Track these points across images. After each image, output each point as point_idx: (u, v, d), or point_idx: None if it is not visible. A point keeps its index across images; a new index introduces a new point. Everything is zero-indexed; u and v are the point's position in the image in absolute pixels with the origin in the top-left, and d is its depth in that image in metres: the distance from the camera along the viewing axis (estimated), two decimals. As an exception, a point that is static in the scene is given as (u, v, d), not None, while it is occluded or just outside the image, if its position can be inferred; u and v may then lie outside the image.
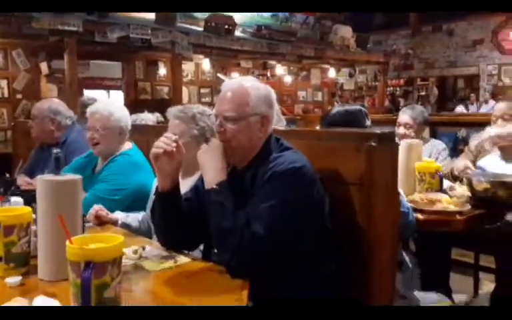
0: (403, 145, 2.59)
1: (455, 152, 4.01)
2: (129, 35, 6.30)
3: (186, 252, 1.65)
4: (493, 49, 11.71)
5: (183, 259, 1.59)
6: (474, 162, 2.98)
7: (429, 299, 1.99)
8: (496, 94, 11.33)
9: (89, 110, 2.45)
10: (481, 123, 3.90)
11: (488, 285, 3.25)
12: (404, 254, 2.08)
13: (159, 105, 7.96)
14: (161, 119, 5.33)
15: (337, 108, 2.12)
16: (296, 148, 1.62)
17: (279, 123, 4.06)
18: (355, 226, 1.64)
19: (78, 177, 1.45)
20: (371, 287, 1.62)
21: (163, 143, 1.57)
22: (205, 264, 1.57)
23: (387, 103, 11.33)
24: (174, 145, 1.57)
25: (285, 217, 1.43)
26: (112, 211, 2.14)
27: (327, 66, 10.40)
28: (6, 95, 7.06)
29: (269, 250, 1.42)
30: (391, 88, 13.17)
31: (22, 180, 2.81)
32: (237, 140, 1.55)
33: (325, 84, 11.63)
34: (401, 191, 2.06)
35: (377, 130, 1.75)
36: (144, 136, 2.83)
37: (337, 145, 1.74)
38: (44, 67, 6.97)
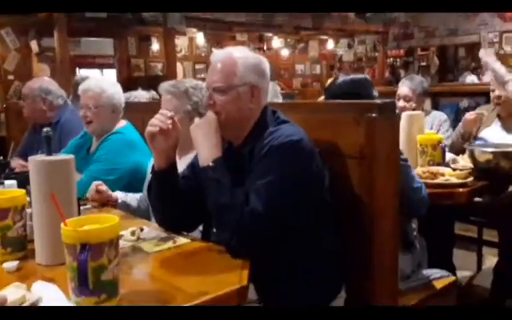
0: (404, 117, 2.53)
1: (457, 123, 3.95)
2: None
3: (185, 233, 1.62)
4: (493, 16, 11.52)
5: (181, 240, 1.56)
6: (476, 134, 2.94)
7: (433, 275, 1.97)
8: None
9: (81, 87, 2.40)
10: (483, 93, 3.87)
11: (491, 260, 3.23)
12: (416, 236, 2.04)
13: (153, 82, 7.82)
14: (156, 96, 5.26)
15: (342, 77, 2.05)
16: (293, 121, 1.56)
17: (274, 98, 4.03)
18: (355, 200, 1.60)
19: (70, 156, 1.41)
20: (372, 260, 1.58)
21: (158, 121, 1.51)
22: (204, 244, 1.53)
23: (387, 74, 11.20)
24: (169, 122, 1.51)
25: (283, 192, 1.39)
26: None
27: (325, 37, 10.25)
28: (-3, 75, 6.93)
29: (267, 226, 1.38)
30: (391, 59, 13.00)
31: (16, 163, 2.76)
32: (226, 112, 1.51)
33: (324, 56, 11.47)
34: (410, 164, 2.01)
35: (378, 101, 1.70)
36: (139, 114, 2.77)
37: (335, 117, 1.69)
38: (34, 45, 6.83)
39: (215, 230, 1.57)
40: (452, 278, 1.99)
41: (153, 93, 5.22)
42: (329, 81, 2.14)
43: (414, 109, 3.10)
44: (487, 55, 2.16)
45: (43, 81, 3.09)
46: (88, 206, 1.97)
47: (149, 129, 1.52)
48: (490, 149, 2.25)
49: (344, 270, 1.59)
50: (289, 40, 10.07)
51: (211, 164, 1.46)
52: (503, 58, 11.32)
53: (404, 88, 3.23)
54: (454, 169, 2.35)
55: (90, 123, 2.36)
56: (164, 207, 1.61)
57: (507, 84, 2.08)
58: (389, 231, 1.62)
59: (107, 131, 2.37)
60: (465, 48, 13.23)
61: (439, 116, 3.37)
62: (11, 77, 7.02)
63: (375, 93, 1.97)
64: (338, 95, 1.96)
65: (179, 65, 8.25)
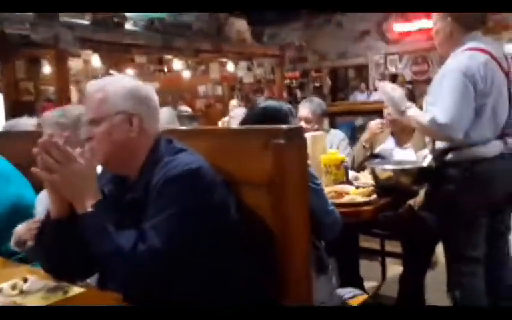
0: (307, 138, 2.54)
1: (353, 140, 4.13)
2: (4, 31, 5.63)
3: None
4: (378, 40, 12.48)
5: (74, 290, 1.37)
6: (371, 153, 3.07)
7: (347, 295, 1.97)
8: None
9: None
10: (376, 111, 4.08)
11: (394, 268, 3.38)
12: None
13: (44, 107, 7.31)
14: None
15: (260, 104, 2.00)
16: (194, 149, 1.47)
17: (171, 123, 3.90)
18: (266, 229, 1.53)
19: None
20: (287, 290, 1.51)
21: (56, 162, 1.31)
22: (100, 293, 1.35)
23: (285, 95, 11.56)
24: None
25: (183, 225, 1.28)
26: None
27: (225, 60, 10.32)
28: None
29: (169, 264, 1.26)
30: (288, 80, 13.49)
31: None
32: (104, 144, 1.38)
33: (225, 78, 11.53)
34: (321, 182, 2.01)
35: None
36: (24, 144, 2.48)
37: (241, 144, 1.62)
38: None
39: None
40: (364, 296, 2.01)
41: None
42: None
43: (316, 130, 3.18)
44: (383, 88, 2.31)
45: None
46: None
47: (46, 177, 1.31)
48: (390, 167, 2.34)
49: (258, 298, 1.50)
50: (189, 62, 9.97)
51: (89, 209, 1.30)
52: (387, 78, 12.31)
53: (304, 110, 3.31)
54: (357, 187, 2.41)
55: None
56: (58, 257, 1.42)
57: (405, 113, 2.19)
58: (302, 258, 1.57)
59: None
60: (354, 69, 14.20)
61: (338, 134, 3.50)
62: None
63: (294, 121, 1.96)
64: (251, 122, 1.91)
65: (73, 88, 7.73)
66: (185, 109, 6.78)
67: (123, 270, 1.24)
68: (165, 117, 3.93)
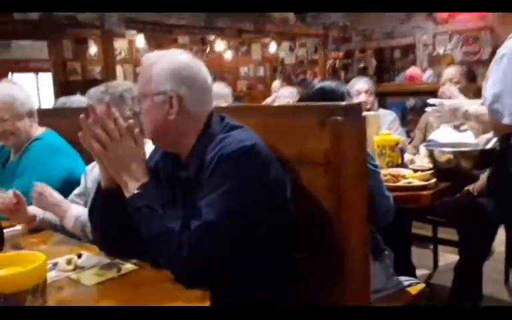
0: (360, 118, 2.44)
1: (404, 121, 3.98)
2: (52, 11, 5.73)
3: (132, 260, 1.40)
4: (426, 19, 11.98)
5: (127, 267, 1.36)
6: (424, 139, 2.92)
7: (403, 283, 1.87)
8: (432, 63, 11.65)
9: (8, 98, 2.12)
10: (429, 92, 3.90)
11: (446, 257, 3.24)
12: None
13: (91, 86, 7.44)
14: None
15: (316, 83, 1.92)
16: (248, 127, 1.40)
17: (218, 100, 3.85)
18: (322, 210, 1.47)
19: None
20: (343, 272, 1.45)
21: (104, 131, 1.28)
22: (154, 272, 1.32)
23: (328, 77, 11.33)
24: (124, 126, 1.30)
25: (240, 201, 1.23)
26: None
27: (267, 40, 10.20)
28: None
29: (224, 241, 1.22)
30: (331, 60, 13.20)
31: None
32: (147, 122, 1.35)
33: (266, 59, 11.41)
34: (380, 170, 1.92)
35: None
36: (73, 119, 2.50)
37: (296, 122, 1.54)
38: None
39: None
40: (421, 285, 1.91)
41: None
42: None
43: (369, 109, 3.10)
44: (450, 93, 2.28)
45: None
46: (16, 227, 1.69)
47: (93, 145, 1.28)
48: (450, 149, 2.20)
49: (311, 283, 1.44)
50: (231, 43, 9.91)
51: (136, 191, 1.27)
52: (436, 58, 11.84)
53: (362, 84, 3.25)
54: (414, 171, 2.28)
55: (10, 137, 2.09)
56: (110, 231, 1.40)
57: (467, 113, 2.10)
58: (359, 241, 1.50)
59: (26, 140, 2.13)
60: (401, 49, 13.71)
61: (388, 115, 3.38)
62: None
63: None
64: (307, 98, 1.84)
65: (118, 68, 7.84)
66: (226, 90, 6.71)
67: (173, 248, 1.19)
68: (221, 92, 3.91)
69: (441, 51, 12.00)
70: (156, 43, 8.81)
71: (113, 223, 1.36)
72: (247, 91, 10.17)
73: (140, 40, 8.15)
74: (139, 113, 1.65)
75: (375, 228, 1.86)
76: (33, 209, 1.76)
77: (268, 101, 6.38)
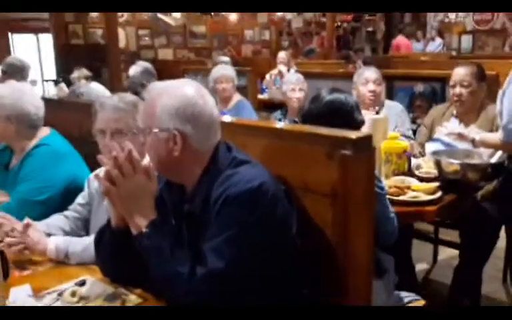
0: (367, 122, 2.36)
1: (411, 107, 3.91)
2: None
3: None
4: (439, -16, 11.61)
5: (131, 299, 1.36)
6: (430, 136, 2.87)
7: (403, 300, 1.87)
8: (442, 31, 11.37)
9: None
10: (439, 78, 3.82)
11: (446, 251, 3.24)
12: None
13: (93, 52, 7.31)
14: (87, 73, 4.88)
15: (328, 93, 1.86)
16: (254, 152, 1.38)
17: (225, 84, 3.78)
18: (326, 239, 1.44)
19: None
20: (345, 298, 1.44)
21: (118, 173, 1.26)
22: (157, 304, 1.32)
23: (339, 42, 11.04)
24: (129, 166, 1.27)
25: (246, 246, 1.21)
26: (41, 213, 1.84)
27: (274, 2, 9.94)
28: None
29: (230, 287, 1.20)
30: (339, 23, 12.89)
31: None
32: (149, 156, 1.33)
33: (273, 22, 11.17)
34: (384, 183, 1.89)
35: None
36: (76, 114, 2.46)
37: (303, 148, 1.49)
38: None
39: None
40: (421, 302, 1.90)
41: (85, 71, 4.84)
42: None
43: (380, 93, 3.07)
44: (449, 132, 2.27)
45: None
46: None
47: (104, 183, 1.26)
48: (458, 162, 2.16)
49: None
50: (237, 5, 9.66)
51: (144, 230, 1.25)
52: (448, 26, 11.54)
53: (372, 74, 3.21)
54: (420, 179, 2.25)
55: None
56: (116, 264, 1.39)
57: (475, 142, 2.08)
58: (363, 266, 1.48)
59: (29, 144, 2.08)
60: (411, 14, 13.37)
61: (395, 106, 3.29)
62: None
63: (360, 117, 1.82)
64: (314, 115, 1.79)
65: (121, 31, 7.70)
66: (226, 59, 6.59)
67: (180, 293, 1.19)
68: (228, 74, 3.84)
69: (452, 17, 11.73)
70: (160, 5, 8.58)
71: (121, 258, 1.35)
72: (252, 56, 9.97)
73: (143, 2, 7.93)
74: None
75: (378, 248, 1.85)
76: (44, 242, 1.65)
77: (273, 72, 6.26)
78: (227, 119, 1.70)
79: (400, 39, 10.73)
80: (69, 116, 2.43)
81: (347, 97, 1.88)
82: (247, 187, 1.22)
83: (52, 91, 7.23)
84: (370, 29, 13.46)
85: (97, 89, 4.54)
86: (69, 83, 5.07)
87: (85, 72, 4.81)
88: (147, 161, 1.33)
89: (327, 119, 1.73)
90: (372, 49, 12.53)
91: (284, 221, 1.32)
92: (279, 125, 1.72)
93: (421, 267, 3.15)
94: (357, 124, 1.92)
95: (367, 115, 2.48)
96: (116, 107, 1.71)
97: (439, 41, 10.91)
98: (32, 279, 1.48)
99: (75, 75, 4.77)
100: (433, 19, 11.85)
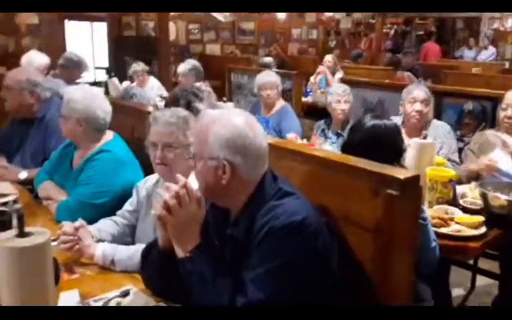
0: (413, 146, 2.37)
1: (459, 125, 3.82)
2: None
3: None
4: (497, -9, 11.19)
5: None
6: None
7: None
8: (496, 40, 10.98)
9: (66, 97, 2.17)
10: (490, 98, 3.71)
11: (484, 278, 3.17)
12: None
13: (144, 44, 7.50)
14: (145, 67, 5.01)
15: (368, 120, 1.87)
16: (298, 178, 1.43)
17: (269, 90, 3.80)
18: (365, 275, 1.46)
19: (44, 235, 1.21)
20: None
21: (168, 200, 1.33)
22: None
23: (388, 45, 10.80)
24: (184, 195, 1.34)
25: (286, 279, 1.25)
26: (94, 215, 1.93)
27: (323, 2, 9.86)
28: (-23, 26, 6.48)
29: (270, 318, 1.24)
30: (389, 25, 12.64)
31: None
32: (198, 180, 1.39)
33: (321, 21, 11.09)
34: (427, 213, 1.88)
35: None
36: (128, 119, 2.56)
37: (348, 181, 1.51)
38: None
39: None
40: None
41: (143, 65, 4.98)
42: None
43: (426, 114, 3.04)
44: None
45: (29, 72, 2.82)
46: (55, 243, 1.67)
47: (157, 214, 1.34)
48: (504, 196, 2.12)
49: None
50: (286, 3, 9.65)
51: (188, 255, 1.31)
52: (503, 35, 11.11)
53: (421, 92, 3.09)
54: (464, 209, 2.22)
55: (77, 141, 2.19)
56: (160, 280, 1.46)
57: None
58: (402, 299, 1.49)
59: (92, 148, 2.18)
60: (464, 21, 12.95)
61: (442, 128, 3.15)
62: (-6, 31, 6.58)
63: (403, 145, 1.82)
64: (355, 144, 1.80)
65: (171, 24, 7.85)
66: (269, 59, 6.61)
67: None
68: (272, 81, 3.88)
69: (508, 25, 11.28)
70: (210, 0, 8.69)
71: (165, 276, 1.42)
72: (298, 55, 9.94)
73: (195, -3, 8.06)
74: None
75: (417, 276, 1.85)
76: (93, 248, 1.74)
77: (318, 76, 6.19)
78: (275, 142, 1.73)
79: (429, 45, 10.43)
80: (122, 119, 2.52)
81: (386, 124, 1.88)
82: (290, 219, 1.26)
83: (102, 78, 7.48)
84: (420, 32, 13.15)
85: (151, 88, 4.66)
86: (121, 76, 5.25)
87: (142, 66, 4.95)
88: (196, 186, 1.38)
89: (368, 148, 1.73)
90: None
91: (324, 255, 1.35)
92: (325, 153, 1.74)
93: (457, 292, 3.10)
94: (398, 152, 1.92)
95: (414, 139, 2.49)
96: (168, 122, 1.78)
97: (492, 50, 10.54)
98: (79, 284, 1.57)
99: (132, 69, 4.91)
100: (487, 27, 11.45)
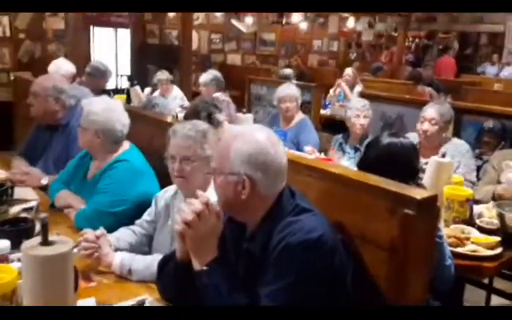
0: (432, 164, 2.37)
1: (478, 143, 3.78)
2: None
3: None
4: (522, 7, 11.04)
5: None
6: (497, 180, 2.78)
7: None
8: (520, 57, 10.82)
9: (86, 109, 2.23)
10: (510, 116, 3.68)
11: (499, 298, 3.12)
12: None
13: (167, 53, 7.62)
14: (169, 76, 5.08)
15: (385, 138, 1.89)
16: (315, 193, 1.45)
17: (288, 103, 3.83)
18: (379, 293, 1.47)
19: (67, 244, 1.25)
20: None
21: (188, 214, 1.36)
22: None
23: (409, 57, 10.72)
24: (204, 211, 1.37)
25: (301, 295, 1.27)
26: (111, 224, 1.97)
27: (346, 14, 9.88)
28: (8, 33, 6.63)
29: None
30: (411, 39, 12.57)
31: (18, 166, 2.64)
32: (217, 194, 1.42)
33: (343, 33, 11.08)
34: (443, 231, 1.88)
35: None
36: (148, 128, 2.61)
37: (365, 199, 1.52)
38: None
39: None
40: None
41: (167, 74, 5.05)
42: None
43: (438, 134, 3.00)
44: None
45: (56, 79, 2.91)
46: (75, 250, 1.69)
47: (178, 227, 1.38)
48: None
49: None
50: (308, 14, 9.70)
51: (205, 268, 1.34)
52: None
53: (432, 110, 3.08)
54: (480, 229, 2.21)
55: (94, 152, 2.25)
56: (177, 293, 1.50)
57: None
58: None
59: (109, 157, 2.23)
60: (488, 36, 12.78)
61: (460, 146, 3.13)
62: (22, 36, 6.74)
63: (419, 165, 1.83)
64: (372, 160, 1.82)
65: (194, 33, 7.96)
66: (288, 71, 6.64)
67: None
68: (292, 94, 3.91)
69: (531, 42, 11.10)
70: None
71: (181, 287, 1.45)
72: (318, 66, 9.96)
73: (218, 8, 8.15)
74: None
75: (431, 294, 1.85)
76: (110, 257, 1.78)
77: (338, 89, 6.19)
78: (292, 156, 1.76)
79: (444, 59, 10.33)
80: (141, 128, 2.57)
81: (403, 142, 1.89)
82: (307, 237, 1.28)
83: (124, 85, 7.60)
84: (442, 46, 13.04)
85: (174, 98, 4.73)
86: (143, 84, 5.34)
87: (167, 75, 5.03)
88: (214, 199, 1.41)
89: (383, 166, 1.74)
90: (443, 68, 12.10)
91: (339, 273, 1.36)
92: (342, 169, 1.75)
93: (473, 311, 3.06)
94: (414, 171, 1.92)
95: (433, 157, 2.48)
96: (186, 136, 1.82)
97: (515, 66, 10.40)
98: (96, 292, 1.61)
99: (157, 77, 5.00)
100: (511, 43, 11.29)
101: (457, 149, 3.09)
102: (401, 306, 1.44)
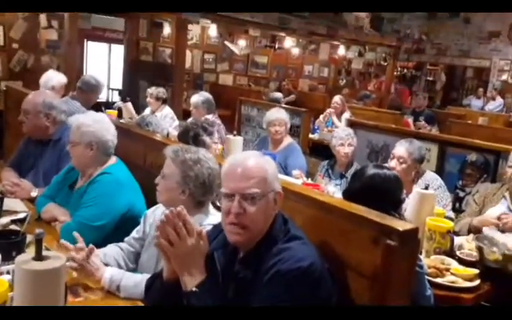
0: (416, 195, 2.45)
1: (461, 175, 3.87)
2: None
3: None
4: (508, 44, 11.38)
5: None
6: (479, 213, 2.85)
7: None
8: (504, 91, 11.11)
9: (74, 124, 2.26)
10: (494, 151, 3.78)
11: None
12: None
13: (160, 70, 7.69)
14: (162, 95, 5.13)
15: (370, 169, 1.95)
16: (300, 219, 1.50)
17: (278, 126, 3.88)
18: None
19: (60, 259, 1.28)
20: None
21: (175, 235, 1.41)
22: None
23: (394, 87, 10.99)
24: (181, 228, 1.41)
25: None
26: (95, 237, 1.98)
27: (337, 42, 10.09)
28: (1, 42, 6.65)
29: None
30: (399, 69, 12.84)
31: (7, 178, 2.63)
32: (255, 223, 1.43)
33: (333, 60, 11.29)
34: (424, 264, 1.94)
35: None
36: (140, 146, 2.65)
37: (349, 227, 1.57)
38: (43, 20, 6.59)
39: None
40: None
41: (160, 90, 5.10)
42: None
43: (405, 172, 2.90)
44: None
45: (46, 95, 2.93)
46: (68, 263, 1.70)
47: (162, 242, 1.42)
48: (499, 250, 2.18)
49: None
50: (300, 40, 9.88)
51: (194, 289, 1.38)
52: (510, 87, 11.24)
53: (401, 148, 3.02)
54: (460, 260, 2.28)
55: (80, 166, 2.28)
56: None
57: None
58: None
59: (95, 171, 2.25)
60: (474, 70, 13.11)
61: (433, 180, 3.09)
62: (15, 46, 6.76)
63: (403, 196, 1.89)
64: (357, 190, 1.88)
65: (188, 52, 8.05)
66: (278, 95, 6.77)
67: None
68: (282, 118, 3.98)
69: (516, 78, 11.41)
70: (227, 31, 8.94)
71: (168, 306, 1.48)
72: (308, 91, 10.11)
73: (213, 28, 8.29)
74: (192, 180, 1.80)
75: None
76: (101, 271, 1.79)
77: (327, 112, 6.27)
78: (282, 182, 1.81)
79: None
80: (134, 145, 2.61)
81: (386, 174, 1.95)
82: (297, 266, 1.33)
83: (115, 99, 7.63)
84: (430, 78, 13.34)
85: (165, 116, 4.78)
86: (134, 99, 5.37)
87: (161, 92, 5.07)
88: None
89: (366, 197, 1.79)
90: (429, 98, 12.40)
91: (326, 300, 1.41)
92: (328, 198, 1.81)
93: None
94: (397, 202, 1.98)
95: (416, 189, 2.56)
96: (169, 155, 1.86)
97: (499, 101, 10.68)
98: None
99: (149, 93, 5.03)
100: (496, 78, 11.60)
101: (430, 183, 3.11)
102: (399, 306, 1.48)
